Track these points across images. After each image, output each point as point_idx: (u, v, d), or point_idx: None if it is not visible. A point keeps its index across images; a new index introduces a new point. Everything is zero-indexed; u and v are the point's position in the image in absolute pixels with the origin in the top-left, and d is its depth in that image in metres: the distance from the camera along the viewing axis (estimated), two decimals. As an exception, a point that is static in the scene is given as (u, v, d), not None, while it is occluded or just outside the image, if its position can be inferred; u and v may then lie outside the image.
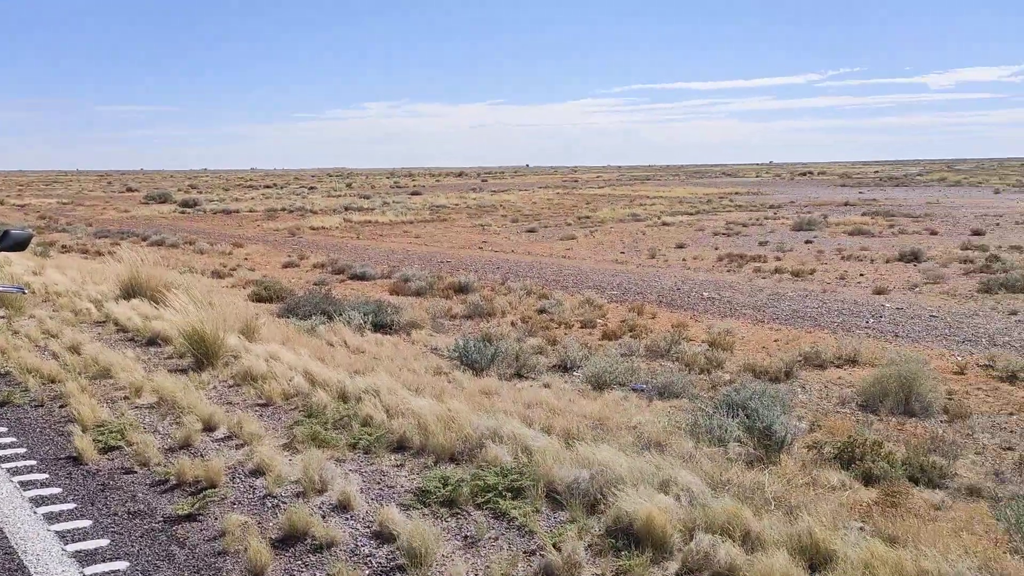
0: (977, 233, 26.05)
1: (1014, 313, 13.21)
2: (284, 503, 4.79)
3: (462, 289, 16.72)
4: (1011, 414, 8.28)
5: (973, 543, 4.28)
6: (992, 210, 35.89)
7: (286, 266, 21.80)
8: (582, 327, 13.04)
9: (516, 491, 4.87)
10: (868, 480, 5.81)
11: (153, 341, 9.32)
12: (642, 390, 9.01)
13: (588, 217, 37.51)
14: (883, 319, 13.17)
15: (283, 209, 46.28)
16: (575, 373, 9.91)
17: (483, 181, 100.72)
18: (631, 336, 12.10)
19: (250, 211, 45.53)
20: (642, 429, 6.61)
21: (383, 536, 4.36)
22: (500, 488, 4.89)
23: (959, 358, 10.55)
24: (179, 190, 73.43)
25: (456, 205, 48.16)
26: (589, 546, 4.18)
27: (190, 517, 4.69)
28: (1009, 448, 7.21)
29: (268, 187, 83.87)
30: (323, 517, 4.59)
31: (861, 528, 4.41)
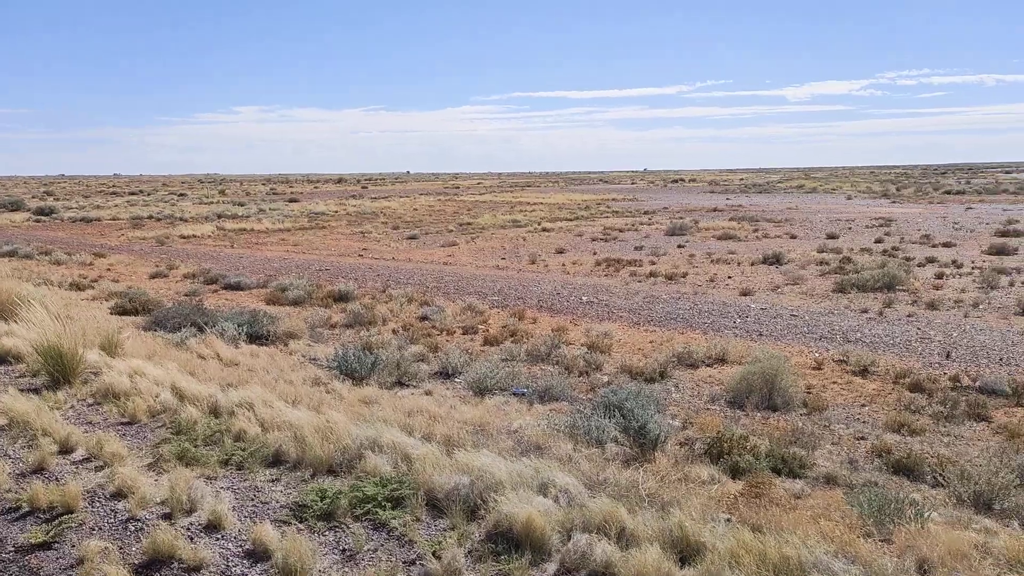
0: (832, 237, 27.84)
1: (865, 311, 14.19)
2: (148, 526, 4.56)
3: (342, 297, 16.41)
4: (863, 405, 8.87)
5: (830, 529, 4.56)
6: (845, 215, 38.46)
7: (154, 276, 20.76)
8: (464, 333, 13.06)
9: (396, 501, 4.82)
10: (735, 473, 6.09)
11: (2, 359, 8.67)
12: (523, 394, 9.11)
13: (469, 223, 37.67)
14: (749, 319, 13.86)
15: (150, 217, 44.06)
16: (457, 379, 9.91)
17: (363, 188, 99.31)
18: (512, 341, 12.22)
19: (113, 219, 43.10)
20: (522, 433, 6.68)
21: (257, 555, 4.21)
22: (380, 498, 4.82)
23: (817, 354, 11.23)
24: (33, 197, 68.64)
25: (336, 212, 47.28)
26: (469, 552, 4.19)
27: (45, 545, 4.39)
28: (862, 437, 7.73)
29: (133, 194, 79.70)
30: (191, 539, 4.39)
31: (729, 519, 4.61)
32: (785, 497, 5.46)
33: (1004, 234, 26.09)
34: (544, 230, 33.63)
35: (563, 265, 22.02)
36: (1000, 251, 21.83)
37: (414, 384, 9.53)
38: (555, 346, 11.49)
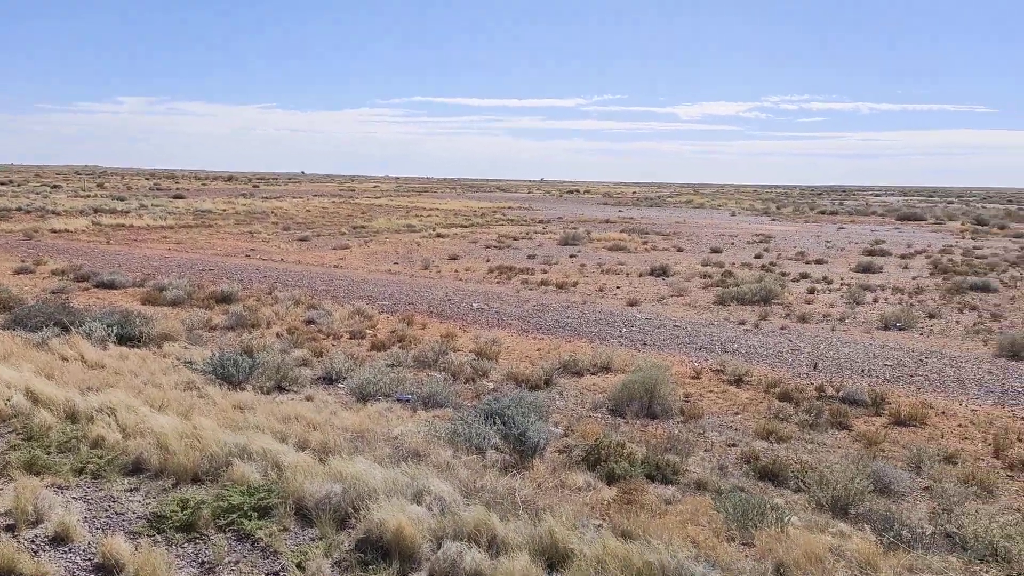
0: (716, 251, 28.94)
1: (743, 323, 14.79)
2: (-13, 539, 4.22)
3: (225, 299, 15.83)
4: (736, 413, 9.22)
5: (696, 533, 4.70)
6: (728, 230, 40.11)
7: (18, 272, 19.44)
8: (351, 338, 12.82)
9: (264, 510, 4.65)
10: (611, 479, 6.19)
11: None
12: (408, 400, 9.00)
13: (363, 227, 37.13)
14: (634, 328, 14.20)
15: (19, 209, 41.32)
16: (340, 385, 9.70)
17: (254, 187, 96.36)
18: (400, 347, 12.08)
19: (-24, 210, 40.19)
20: (402, 440, 6.59)
21: (107, 568, 3.97)
22: (246, 508, 4.64)
23: (696, 364, 11.60)
24: None
25: (224, 211, 45.64)
26: (337, 562, 4.08)
27: None
28: (733, 444, 8.02)
29: (2, 184, 74.59)
30: (35, 552, 4.10)
31: (599, 526, 4.68)
32: (656, 503, 5.59)
33: (871, 253, 27.78)
34: (439, 236, 33.52)
35: (456, 271, 21.98)
36: (866, 269, 23.22)
37: (295, 389, 9.26)
38: (443, 352, 11.43)
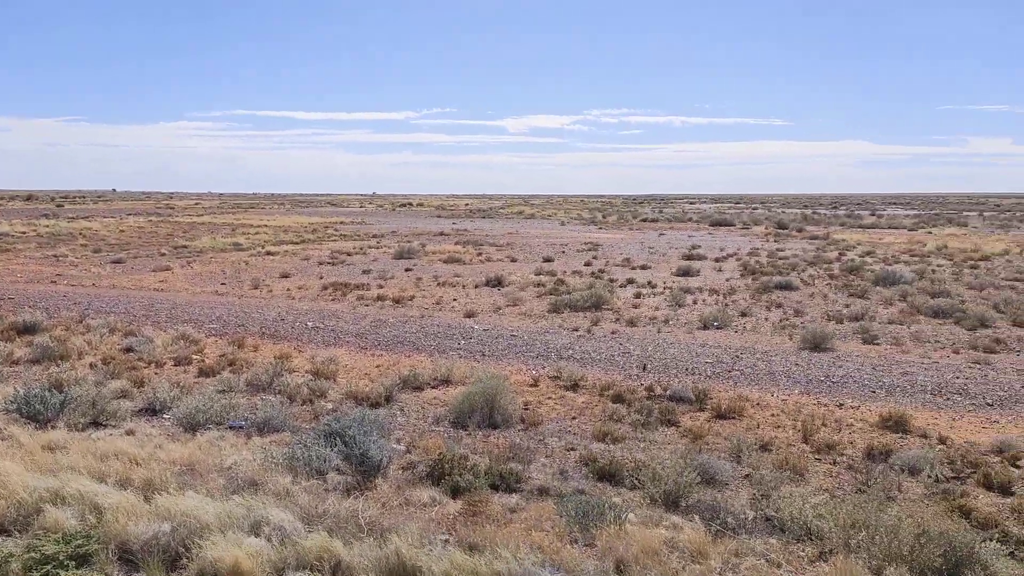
0: (548, 260, 29.79)
1: (576, 329, 15.31)
2: None
3: (28, 329, 14.46)
4: (574, 418, 9.52)
5: (540, 539, 4.80)
6: (559, 240, 41.43)
7: None
8: (176, 365, 12.09)
9: (82, 558, 4.28)
10: (456, 492, 6.21)
11: None
12: (241, 427, 8.60)
13: (186, 246, 35.14)
14: (472, 340, 14.33)
15: None
16: (165, 416, 9.11)
17: (58, 206, 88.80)
18: (231, 371, 11.53)
19: None
20: (237, 469, 6.29)
21: None
22: (62, 558, 4.26)
23: (534, 372, 11.88)
24: None
25: (23, 233, 41.71)
26: (169, 607, 3.82)
27: None
28: (572, 448, 8.27)
29: None
30: None
31: (447, 540, 4.68)
32: (501, 512, 5.66)
33: (689, 258, 29.60)
34: (268, 254, 32.32)
35: (288, 290, 21.28)
36: (686, 273, 24.73)
37: (113, 424, 8.60)
38: (278, 374, 11.03)
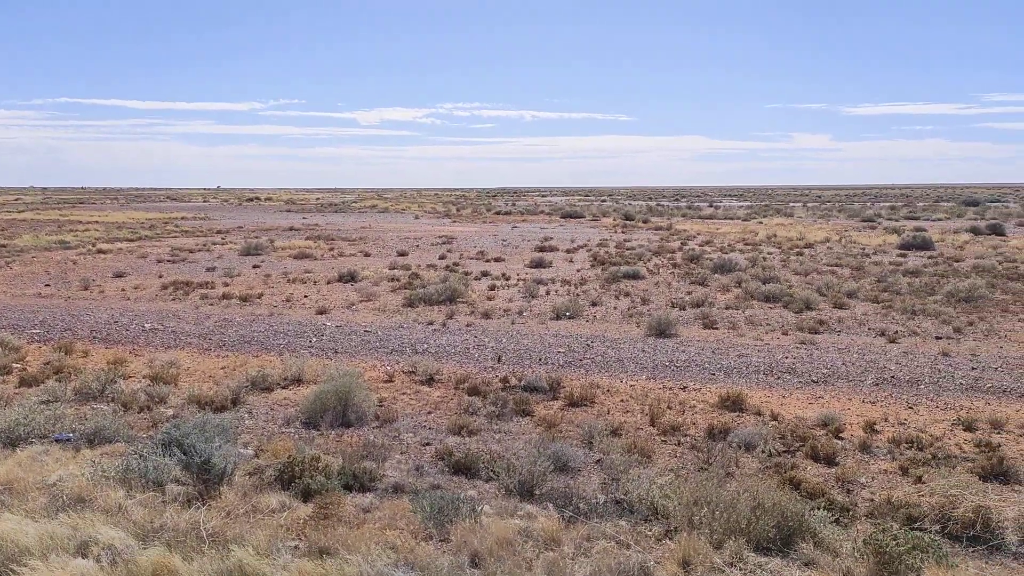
0: (402, 254, 29.51)
1: (431, 323, 15.24)
2: None
3: None
4: (430, 412, 9.46)
5: (395, 537, 4.72)
6: (413, 233, 41.16)
7: None
8: (-9, 375, 11.03)
9: None
10: (307, 495, 6.01)
11: None
12: (68, 439, 7.95)
13: (4, 246, 32.18)
14: (325, 337, 13.96)
15: None
16: (-21, 432, 8.27)
17: None
18: (57, 379, 10.63)
19: None
20: (62, 486, 5.80)
21: None
22: None
23: (388, 367, 11.72)
24: None
25: None
26: (-20, 644, 3.45)
27: None
28: (428, 443, 8.21)
29: None
30: None
31: (296, 547, 4.51)
32: (355, 513, 5.53)
33: (542, 249, 30.19)
34: (100, 252, 30.16)
35: (123, 290, 19.94)
36: (538, 264, 25.19)
37: (-84, 444, 7.72)
38: (111, 381, 10.29)
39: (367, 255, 29.51)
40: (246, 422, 8.95)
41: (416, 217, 60.81)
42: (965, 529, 5.80)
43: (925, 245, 29.80)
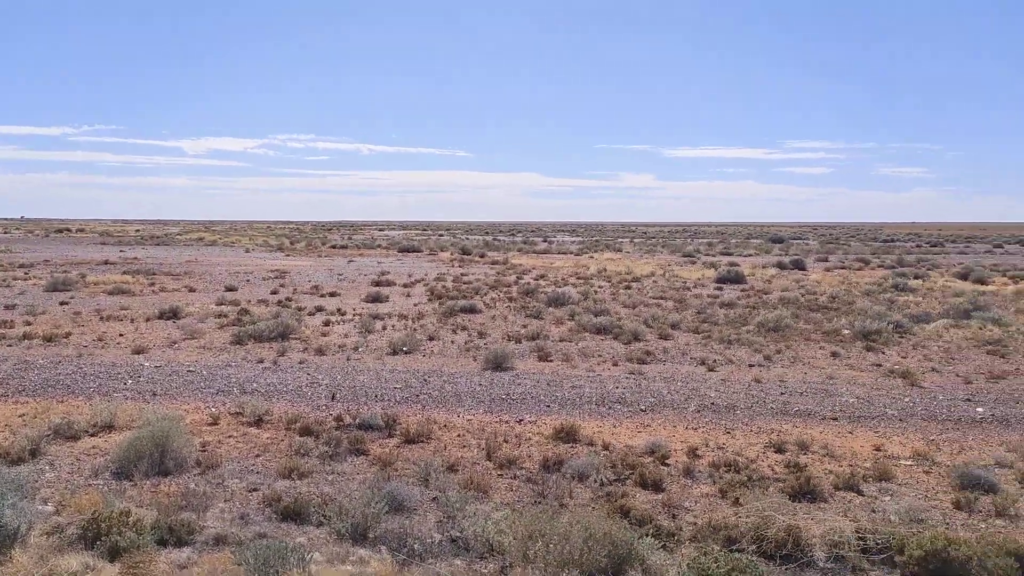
0: (231, 289, 28.16)
1: (261, 361, 14.57)
2: None
3: None
4: (258, 455, 8.99)
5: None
6: (244, 267, 39.45)
7: None
8: None
9: None
10: (115, 554, 5.49)
11: None
12: None
13: None
14: (142, 379, 13.00)
15: None
16: None
17: None
18: None
19: None
20: None
21: None
22: None
23: (213, 409, 11.06)
24: None
25: None
26: None
27: None
28: (255, 489, 7.77)
29: None
30: None
31: (99, 613, 4.09)
32: (169, 570, 5.11)
33: (378, 284, 29.80)
34: None
35: (-100, 330, 17.70)
36: (375, 299, 24.82)
37: None
38: None
39: (192, 290, 27.96)
40: (47, 475, 8.13)
41: (247, 250, 58.45)
42: (778, 548, 6.17)
43: (738, 279, 32.07)
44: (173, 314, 20.50)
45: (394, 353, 15.56)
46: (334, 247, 63.67)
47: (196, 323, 19.22)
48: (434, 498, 7.48)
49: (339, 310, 22.12)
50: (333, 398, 11.83)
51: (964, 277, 34.14)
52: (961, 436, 10.16)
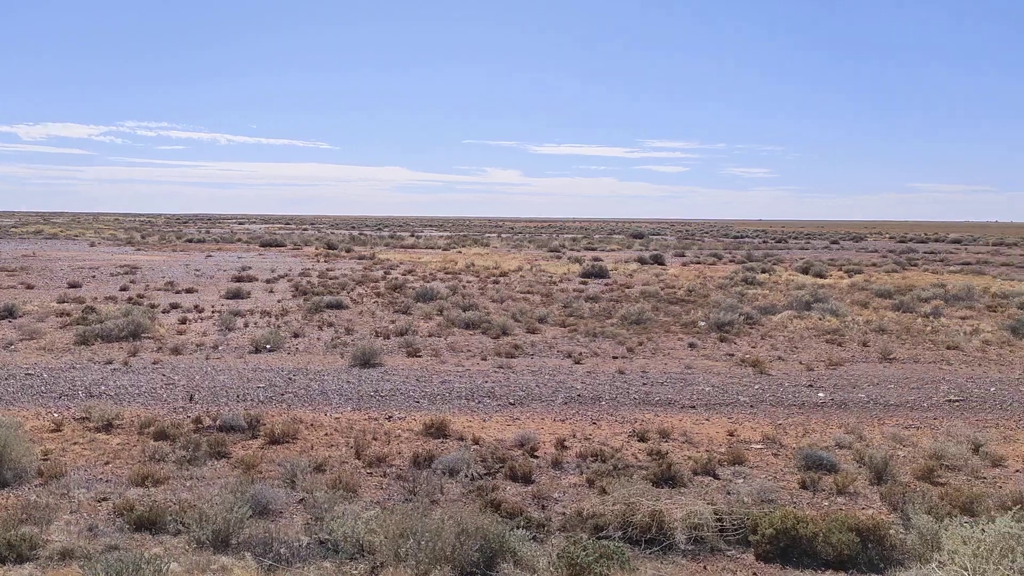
0: (74, 285, 26.31)
1: (110, 362, 13.68)
2: None
3: None
4: (107, 463, 8.44)
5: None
6: (89, 262, 36.91)
7: None
8: None
9: None
10: (-56, 577, 5.02)
11: None
12: None
13: None
14: (-28, 384, 11.92)
15: None
16: None
17: None
18: None
19: None
20: None
21: None
22: None
23: (56, 414, 10.30)
24: None
25: None
26: None
27: None
28: (104, 498, 7.29)
29: None
30: None
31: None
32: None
33: (239, 279, 28.66)
34: None
35: None
36: (236, 295, 23.85)
37: None
38: None
39: (30, 287, 25.94)
40: None
41: (93, 244, 54.79)
42: (643, 533, 6.41)
43: (602, 274, 33.05)
44: (8, 313, 18.93)
45: (257, 351, 15.01)
46: (190, 241, 60.72)
47: (35, 322, 17.84)
48: (301, 500, 7.27)
49: (197, 307, 21.13)
50: (191, 399, 11.28)
51: (805, 271, 36.62)
52: (805, 420, 10.89)
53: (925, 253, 56.32)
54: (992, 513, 6.23)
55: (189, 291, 25.26)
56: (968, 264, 43.84)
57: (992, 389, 12.82)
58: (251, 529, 6.20)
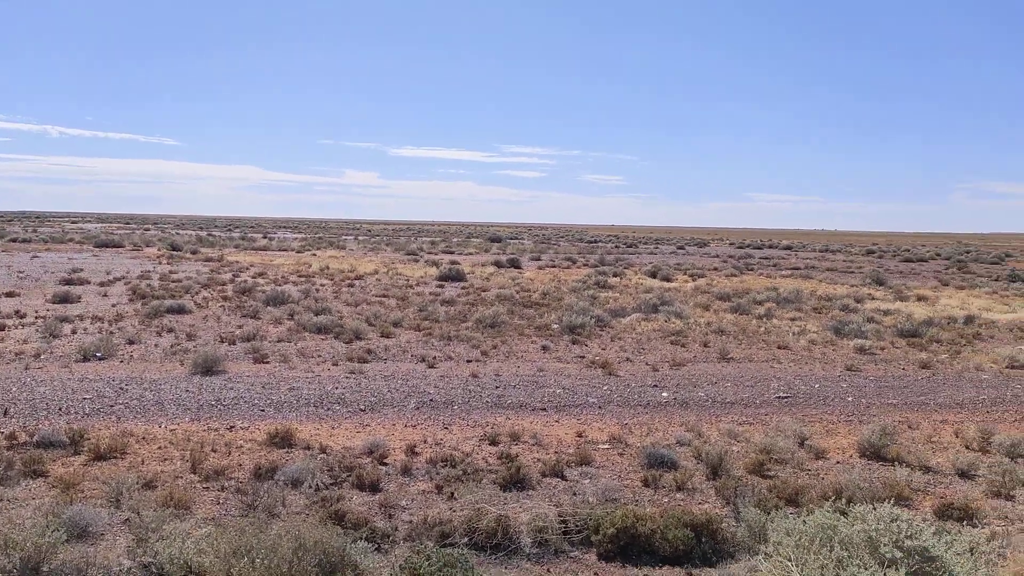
0: None
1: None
2: None
3: None
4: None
5: None
6: None
7: None
8: None
9: None
10: None
11: None
12: None
13: None
14: None
15: None
16: None
17: None
18: None
19: None
20: None
21: None
22: None
23: None
24: None
25: None
26: None
27: None
28: None
29: None
30: None
31: None
32: None
33: (69, 282, 26.57)
34: None
35: None
36: (64, 299, 22.07)
37: None
38: None
39: None
40: None
41: None
42: (489, 539, 6.39)
43: (459, 277, 33.08)
44: None
45: (85, 360, 13.93)
46: (14, 241, 55.77)
47: None
48: (126, 520, 6.76)
49: (18, 312, 19.40)
50: (5, 413, 10.31)
51: (653, 275, 38.20)
52: (650, 419, 11.28)
53: (760, 258, 60.10)
54: (813, 504, 6.65)
55: (10, 295, 23.16)
56: (797, 269, 47.18)
57: (816, 386, 13.79)
58: (66, 554, 5.68)
